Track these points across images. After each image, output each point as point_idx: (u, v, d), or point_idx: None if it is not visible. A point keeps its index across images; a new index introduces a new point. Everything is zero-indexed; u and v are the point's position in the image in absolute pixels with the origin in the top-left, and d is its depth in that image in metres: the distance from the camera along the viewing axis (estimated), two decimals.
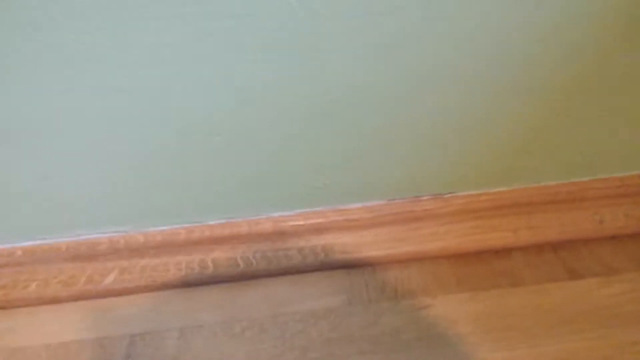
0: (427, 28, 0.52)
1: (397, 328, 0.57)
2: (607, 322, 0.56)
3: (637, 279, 0.60)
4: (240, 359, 0.56)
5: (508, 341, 0.55)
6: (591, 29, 0.54)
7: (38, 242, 0.64)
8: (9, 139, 0.56)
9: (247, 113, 0.56)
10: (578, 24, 0.53)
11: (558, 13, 0.52)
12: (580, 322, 0.56)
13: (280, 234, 0.65)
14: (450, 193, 0.65)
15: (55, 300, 0.64)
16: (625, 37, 0.55)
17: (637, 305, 0.57)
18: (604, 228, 0.65)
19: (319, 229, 0.65)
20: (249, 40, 0.51)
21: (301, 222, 0.65)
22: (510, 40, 0.54)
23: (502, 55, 0.55)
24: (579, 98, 0.59)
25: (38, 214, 0.62)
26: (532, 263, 0.62)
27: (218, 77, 0.54)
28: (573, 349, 0.53)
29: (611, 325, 0.55)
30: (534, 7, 0.52)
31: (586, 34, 0.54)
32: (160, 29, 0.50)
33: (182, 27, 0.50)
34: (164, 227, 0.65)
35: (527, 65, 0.56)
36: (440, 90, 0.57)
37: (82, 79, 0.53)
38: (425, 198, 0.65)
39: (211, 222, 0.65)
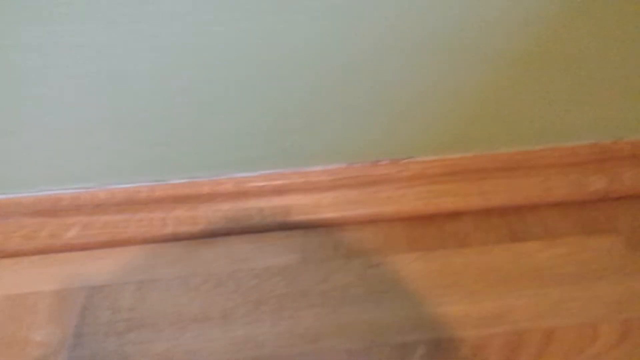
0: None
1: (347, 284, 0.59)
2: (545, 281, 0.58)
3: (577, 243, 0.62)
4: (194, 311, 0.58)
5: (451, 297, 0.57)
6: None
7: (0, 196, 0.65)
8: None
9: (210, 74, 0.57)
10: None
11: None
12: (519, 281, 0.59)
13: (242, 195, 0.66)
14: (407, 158, 0.67)
15: (16, 254, 0.65)
16: (581, 9, 0.56)
17: (575, 266, 0.60)
18: (550, 195, 0.67)
19: (279, 191, 0.67)
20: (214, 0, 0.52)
21: (262, 184, 0.66)
22: (466, 7, 0.55)
23: (458, 22, 0.56)
24: (532, 68, 0.60)
25: (0, 169, 0.63)
26: (480, 226, 0.65)
27: (181, 37, 0.54)
28: (510, 305, 0.56)
29: (548, 284, 0.58)
30: None
31: (542, 4, 0.55)
32: None
33: None
34: (127, 185, 0.66)
35: (483, 34, 0.57)
36: (398, 59, 0.58)
37: (46, 33, 0.53)
38: (383, 162, 0.67)
39: (173, 181, 0.66)
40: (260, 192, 0.67)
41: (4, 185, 0.64)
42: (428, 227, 0.65)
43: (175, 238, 0.66)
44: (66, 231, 0.65)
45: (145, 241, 0.66)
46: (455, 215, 0.66)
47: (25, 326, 0.57)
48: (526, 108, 0.64)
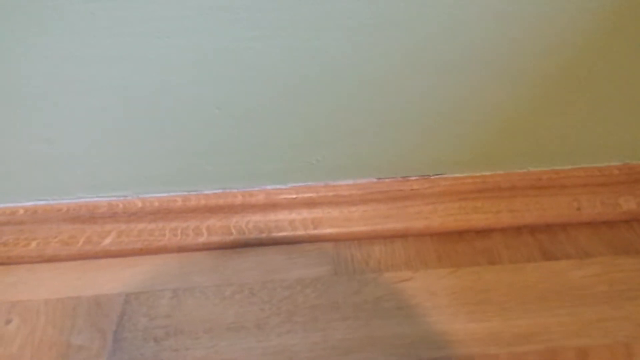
0: (416, 12, 0.54)
1: (379, 297, 0.60)
2: (577, 300, 0.59)
3: (608, 262, 0.62)
4: (229, 320, 0.59)
5: (483, 314, 0.58)
6: (578, 19, 0.55)
7: (40, 202, 0.66)
8: (16, 102, 0.58)
9: (246, 89, 0.58)
10: (565, 13, 0.55)
11: (546, 2, 0.54)
12: (552, 299, 0.59)
13: (273, 206, 0.68)
14: (437, 175, 0.67)
15: (54, 259, 0.66)
16: (610, 29, 0.56)
17: (607, 286, 0.60)
18: (580, 214, 0.67)
19: (310, 203, 0.68)
20: (248, 16, 0.53)
21: (293, 196, 0.67)
22: (499, 26, 0.55)
23: (491, 41, 0.56)
24: (563, 89, 0.61)
25: (41, 176, 0.64)
26: (511, 244, 0.65)
27: (220, 52, 0.55)
28: (544, 323, 0.57)
29: (581, 303, 0.58)
30: None
31: (574, 24, 0.56)
32: (165, 2, 0.52)
33: (186, 2, 0.52)
34: (162, 194, 0.67)
35: (515, 53, 0.57)
36: (429, 76, 0.59)
37: (88, 46, 0.54)
38: (413, 178, 0.68)
39: (207, 192, 0.67)
40: (291, 204, 0.68)
41: (44, 192, 0.66)
42: (458, 243, 0.66)
43: (209, 247, 0.67)
44: (103, 238, 0.67)
45: (180, 249, 0.67)
46: (485, 232, 0.67)
47: (66, 330, 0.58)
48: (556, 127, 0.65)
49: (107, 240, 0.66)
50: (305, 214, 0.68)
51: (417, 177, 0.68)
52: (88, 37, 0.54)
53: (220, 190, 0.67)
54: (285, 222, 0.68)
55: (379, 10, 0.54)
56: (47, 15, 0.52)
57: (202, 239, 0.67)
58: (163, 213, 0.67)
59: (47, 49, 0.54)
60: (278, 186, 0.67)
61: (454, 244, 0.66)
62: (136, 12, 0.53)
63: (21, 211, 0.66)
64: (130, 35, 0.54)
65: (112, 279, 0.64)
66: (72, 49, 0.54)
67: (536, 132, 0.65)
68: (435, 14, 0.54)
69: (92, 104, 0.59)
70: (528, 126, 0.64)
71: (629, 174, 0.68)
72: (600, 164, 0.68)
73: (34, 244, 0.66)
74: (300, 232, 0.68)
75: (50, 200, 0.66)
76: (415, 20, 0.55)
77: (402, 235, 0.68)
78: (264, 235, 0.67)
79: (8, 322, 0.59)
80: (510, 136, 0.65)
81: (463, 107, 0.62)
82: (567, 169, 0.68)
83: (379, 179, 0.68)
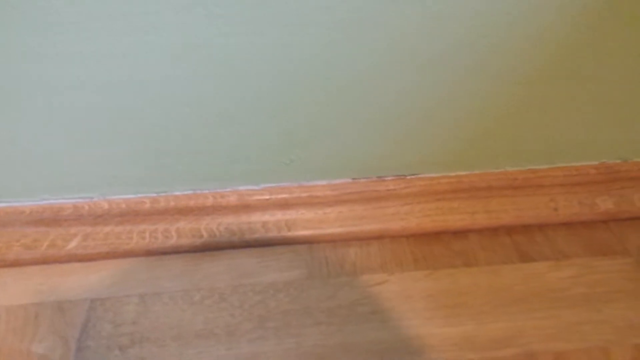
0: (394, 9, 0.53)
1: (354, 301, 0.58)
2: (555, 303, 0.58)
3: (586, 264, 0.62)
4: (198, 326, 0.57)
5: (458, 317, 0.57)
6: (556, 19, 0.55)
7: (1, 204, 0.64)
8: None
9: (218, 86, 0.57)
10: (543, 13, 0.55)
11: (525, 2, 0.54)
12: (529, 302, 0.58)
13: (245, 208, 0.66)
14: (413, 175, 0.66)
15: (17, 263, 0.64)
16: (588, 29, 0.56)
17: (584, 288, 0.59)
18: (558, 214, 0.67)
19: (283, 204, 0.66)
20: (221, 12, 0.52)
21: (266, 197, 0.66)
22: (476, 26, 0.55)
23: (467, 40, 0.56)
24: (541, 88, 0.60)
25: (2, 177, 0.62)
26: (487, 245, 0.64)
27: (189, 49, 0.54)
28: (520, 327, 0.56)
29: (559, 306, 0.58)
30: None
31: (551, 24, 0.55)
32: None
33: None
34: (129, 196, 0.65)
35: (491, 52, 0.57)
36: (405, 75, 0.58)
37: (51, 45, 0.52)
38: (389, 178, 0.67)
39: (177, 193, 0.65)
40: (264, 206, 0.66)
41: (5, 194, 0.64)
42: (434, 245, 0.65)
43: (178, 250, 0.66)
44: (68, 241, 0.65)
45: (148, 253, 0.65)
46: (461, 233, 0.66)
47: (27, 338, 0.56)
48: (533, 127, 0.64)
49: (72, 244, 0.64)
50: (279, 215, 0.66)
51: (393, 177, 0.67)
52: (52, 33, 0.52)
53: (190, 192, 0.66)
54: (258, 224, 0.66)
55: (355, 7, 0.53)
56: (8, 11, 0.50)
57: (172, 242, 0.65)
58: (130, 215, 0.65)
59: (8, 46, 0.52)
60: (250, 187, 0.66)
61: (431, 246, 0.65)
62: (104, 8, 0.51)
63: None
64: (98, 31, 0.52)
65: (76, 284, 0.61)
66: (34, 45, 0.53)
67: (512, 132, 0.64)
68: (412, 11, 0.54)
69: (56, 102, 0.57)
70: (504, 125, 0.64)
71: (606, 174, 0.67)
72: (576, 163, 0.67)
73: None
74: (274, 234, 0.66)
75: (13, 202, 0.64)
76: (391, 18, 0.54)
77: (378, 237, 0.66)
78: (235, 237, 0.66)
79: None
80: (486, 136, 0.64)
81: (439, 107, 0.61)
82: (543, 168, 0.67)
83: (354, 179, 0.66)
